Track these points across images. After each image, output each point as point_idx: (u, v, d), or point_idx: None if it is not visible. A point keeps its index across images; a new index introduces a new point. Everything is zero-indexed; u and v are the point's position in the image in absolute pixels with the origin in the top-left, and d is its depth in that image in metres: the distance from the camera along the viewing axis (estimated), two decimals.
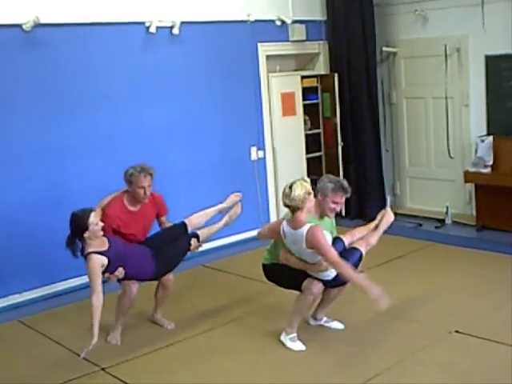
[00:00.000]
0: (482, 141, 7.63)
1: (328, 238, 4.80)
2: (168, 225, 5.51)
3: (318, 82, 8.70)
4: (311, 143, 8.73)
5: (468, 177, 7.71)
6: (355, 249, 5.04)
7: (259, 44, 7.93)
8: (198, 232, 5.44)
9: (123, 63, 6.83)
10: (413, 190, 8.83)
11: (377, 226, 5.28)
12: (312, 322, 5.32)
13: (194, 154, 7.44)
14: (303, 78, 8.52)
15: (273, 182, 8.29)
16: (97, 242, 4.85)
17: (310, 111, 8.68)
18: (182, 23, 7.09)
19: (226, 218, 5.63)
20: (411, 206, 8.79)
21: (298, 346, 4.92)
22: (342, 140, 8.62)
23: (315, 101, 8.72)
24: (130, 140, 6.85)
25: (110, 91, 6.73)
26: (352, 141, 8.58)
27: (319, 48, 8.63)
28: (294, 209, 4.67)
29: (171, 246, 5.25)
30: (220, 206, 5.69)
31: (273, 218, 8.29)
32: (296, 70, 8.68)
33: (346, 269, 4.62)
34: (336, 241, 5.07)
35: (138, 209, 5.31)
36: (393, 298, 5.73)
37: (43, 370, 4.88)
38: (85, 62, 6.54)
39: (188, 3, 7.24)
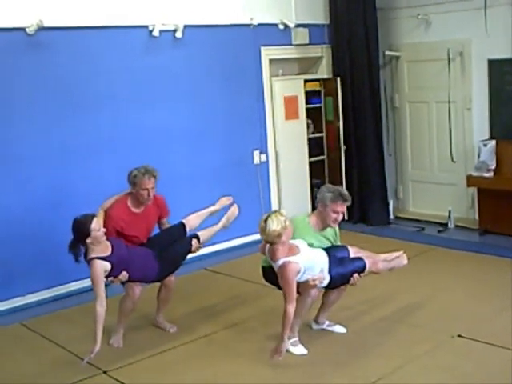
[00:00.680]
0: (485, 145, 7.63)
1: (316, 253, 4.81)
2: (167, 226, 5.52)
3: (320, 85, 8.70)
4: (314, 147, 8.73)
5: (471, 181, 7.70)
6: (360, 259, 5.02)
7: (262, 48, 7.94)
8: (199, 233, 5.44)
9: (126, 66, 6.85)
10: (415, 194, 8.82)
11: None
12: (314, 327, 5.32)
13: (196, 157, 7.45)
14: (306, 81, 8.52)
15: (275, 185, 8.29)
16: (99, 247, 4.85)
17: (313, 115, 8.68)
18: (185, 27, 7.10)
19: (223, 220, 5.63)
20: (414, 210, 8.79)
21: (299, 350, 4.92)
22: (345, 144, 8.62)
23: (318, 104, 8.72)
24: (132, 142, 6.86)
25: (112, 94, 6.74)
26: (355, 144, 8.58)
27: (322, 52, 8.64)
28: (270, 243, 4.64)
29: (173, 248, 5.26)
30: (212, 209, 5.69)
31: None
32: (299, 74, 8.68)
33: (289, 316, 4.52)
34: (340, 248, 5.07)
35: (142, 210, 5.31)
36: (395, 303, 5.76)
37: (45, 372, 4.88)
38: (88, 65, 6.55)
39: (191, 7, 7.25)
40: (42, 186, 6.35)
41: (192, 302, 6.10)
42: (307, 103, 8.53)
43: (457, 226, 8.17)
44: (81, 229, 4.80)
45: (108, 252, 4.87)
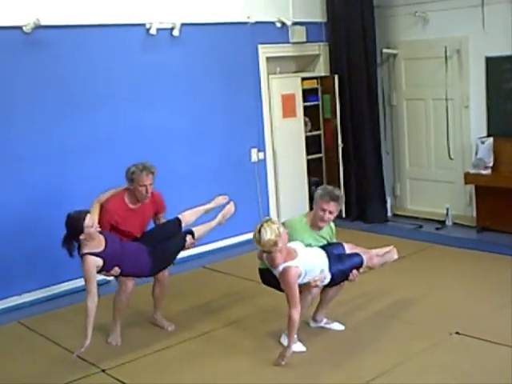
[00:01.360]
0: (483, 142, 7.63)
1: (314, 253, 4.82)
2: (163, 221, 5.52)
3: (318, 83, 8.70)
4: (311, 145, 8.73)
5: (468, 178, 7.71)
6: (358, 254, 5.03)
7: (259, 46, 7.93)
8: (193, 229, 5.43)
9: (123, 65, 6.84)
10: (413, 192, 8.82)
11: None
12: (312, 324, 5.32)
13: (194, 155, 7.45)
14: (303, 79, 8.52)
15: (273, 183, 8.29)
16: (93, 242, 4.85)
17: (311, 113, 8.68)
18: (183, 25, 7.09)
19: (219, 217, 5.62)
20: (411, 208, 8.79)
21: (298, 347, 4.91)
22: (343, 141, 8.62)
23: (315, 102, 8.72)
24: (130, 141, 6.85)
25: (110, 92, 6.74)
26: (352, 142, 8.58)
27: (319, 50, 8.63)
28: (267, 252, 4.65)
29: (167, 243, 5.25)
30: (207, 206, 5.68)
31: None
32: (296, 72, 8.68)
33: (294, 321, 4.59)
34: (335, 245, 5.08)
35: (138, 206, 5.31)
36: (393, 300, 5.76)
37: (43, 371, 4.88)
38: (85, 64, 6.54)
39: (188, 5, 7.24)
40: (40, 185, 6.34)
41: (190, 300, 6.10)
42: (305, 101, 8.53)
43: (454, 224, 8.17)
44: (74, 225, 4.81)
45: (101, 247, 4.87)
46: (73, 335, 5.43)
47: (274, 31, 8.05)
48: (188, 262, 7.25)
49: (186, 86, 7.32)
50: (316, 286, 4.79)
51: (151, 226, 5.55)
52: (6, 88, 6.11)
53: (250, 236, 7.75)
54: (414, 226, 8.25)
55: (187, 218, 5.48)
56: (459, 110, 8.04)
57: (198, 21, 7.29)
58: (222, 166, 7.71)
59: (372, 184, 8.53)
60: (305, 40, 8.34)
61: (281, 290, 4.99)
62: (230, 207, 5.71)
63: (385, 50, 8.56)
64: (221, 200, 5.75)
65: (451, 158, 8.16)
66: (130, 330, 5.41)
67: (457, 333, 4.99)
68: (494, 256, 6.77)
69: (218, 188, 7.60)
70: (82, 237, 4.79)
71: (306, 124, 8.66)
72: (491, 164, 7.55)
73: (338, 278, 4.90)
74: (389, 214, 8.70)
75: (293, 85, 8.39)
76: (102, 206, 5.18)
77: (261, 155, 8.11)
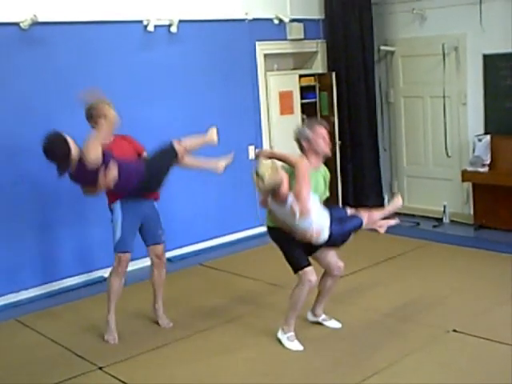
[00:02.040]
0: (480, 140, 7.64)
1: (318, 208, 4.71)
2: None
3: (315, 80, 8.69)
4: None
5: (466, 176, 7.71)
6: (356, 216, 4.94)
7: (257, 42, 7.92)
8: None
9: (121, 61, 6.83)
10: (410, 189, 8.83)
11: None
12: (310, 318, 5.30)
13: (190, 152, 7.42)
14: (301, 76, 8.51)
15: None
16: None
17: (308, 110, 8.67)
18: (180, 21, 7.08)
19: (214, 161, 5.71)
20: (409, 205, 8.78)
21: (295, 345, 4.91)
22: (340, 139, 8.61)
23: (313, 100, 8.71)
24: None
25: (107, 89, 6.63)
26: (350, 140, 8.58)
27: (317, 47, 8.62)
28: (273, 190, 4.55)
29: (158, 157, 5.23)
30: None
31: None
32: (294, 69, 8.67)
33: (306, 205, 4.48)
34: (337, 207, 5.01)
35: (112, 140, 5.15)
36: (390, 298, 5.77)
37: (40, 369, 4.87)
38: (82, 61, 6.53)
39: (186, 1, 7.23)
40: (36, 182, 6.33)
41: (187, 298, 6.09)
42: (302, 98, 8.52)
43: (452, 221, 8.19)
44: (62, 150, 4.69)
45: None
46: (70, 332, 5.45)
47: (271, 28, 8.04)
48: (185, 259, 7.26)
49: (183, 82, 7.31)
50: (311, 237, 4.62)
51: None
52: (2, 84, 6.09)
53: (247, 233, 7.92)
54: (411, 224, 8.26)
55: (188, 143, 5.46)
56: (457, 108, 8.04)
57: (195, 17, 7.28)
58: None
59: (369, 181, 8.53)
60: (302, 37, 8.33)
61: (285, 250, 4.86)
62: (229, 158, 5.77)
63: (382, 48, 8.56)
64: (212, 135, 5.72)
65: (448, 156, 8.16)
66: (127, 327, 5.40)
67: (454, 330, 5.00)
68: (491, 254, 6.77)
69: (214, 184, 7.65)
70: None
71: (303, 121, 8.65)
72: (488, 162, 7.56)
73: (338, 239, 4.78)
74: None
75: (290, 82, 8.38)
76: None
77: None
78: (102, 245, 6.22)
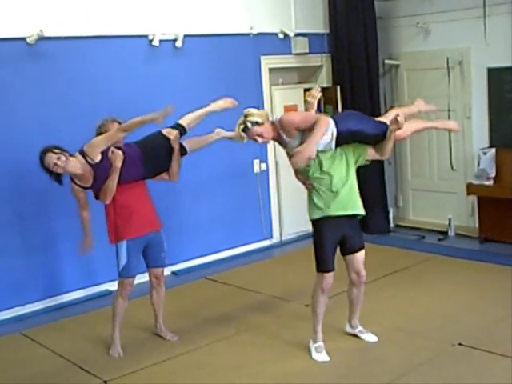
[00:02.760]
0: (485, 153, 7.64)
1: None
2: None
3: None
4: None
5: (471, 189, 7.71)
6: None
7: (262, 57, 7.96)
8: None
9: (126, 76, 6.86)
10: (415, 203, 8.82)
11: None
12: (348, 329, 5.27)
13: (196, 166, 7.44)
14: (306, 90, 8.53)
15: (275, 194, 8.29)
16: (76, 176, 4.87)
17: None
18: (185, 36, 7.12)
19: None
20: (414, 219, 8.79)
21: (321, 356, 4.89)
22: None
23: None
24: None
25: (112, 104, 6.74)
26: None
27: (322, 61, 8.65)
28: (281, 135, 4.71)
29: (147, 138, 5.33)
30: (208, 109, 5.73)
31: (276, 231, 8.29)
32: (299, 83, 8.70)
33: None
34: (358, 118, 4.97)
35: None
36: (396, 311, 5.75)
37: (45, 382, 4.87)
38: (88, 75, 6.56)
39: (191, 16, 7.27)
40: (41, 195, 6.34)
41: (192, 311, 6.09)
42: None
43: (457, 234, 8.17)
44: (41, 164, 4.81)
45: (88, 183, 4.91)
46: (75, 346, 5.45)
47: (276, 42, 8.08)
48: (190, 272, 7.26)
49: (188, 96, 7.30)
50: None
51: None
52: (9, 99, 6.13)
53: (252, 247, 7.92)
54: (416, 237, 8.24)
55: (187, 121, 5.53)
56: (461, 121, 8.03)
57: (200, 32, 7.31)
58: (225, 176, 7.71)
59: (374, 195, 8.51)
60: (307, 51, 8.36)
61: (320, 246, 4.82)
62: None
63: (387, 61, 8.59)
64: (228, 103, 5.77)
65: (453, 169, 8.16)
66: (132, 340, 5.40)
67: (460, 344, 4.98)
68: (496, 267, 6.75)
69: (220, 198, 7.66)
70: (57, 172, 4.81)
71: None
72: (493, 175, 7.56)
73: (347, 137, 4.71)
74: (391, 224, 8.69)
75: (295, 96, 8.40)
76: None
77: (263, 166, 8.12)
78: (107, 258, 6.22)
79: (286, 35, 8.09)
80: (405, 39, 8.43)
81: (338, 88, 8.51)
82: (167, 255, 5.43)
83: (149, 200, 5.28)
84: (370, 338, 5.19)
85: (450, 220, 8.18)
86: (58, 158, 4.77)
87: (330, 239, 4.79)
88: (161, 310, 5.49)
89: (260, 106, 7.99)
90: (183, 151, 5.43)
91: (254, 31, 7.74)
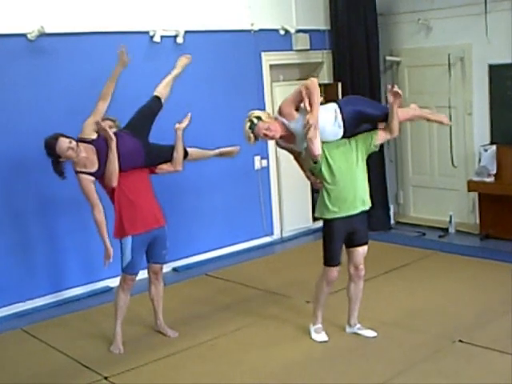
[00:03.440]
0: (486, 150, 7.63)
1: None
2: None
3: (321, 91, 8.68)
4: None
5: (471, 186, 7.71)
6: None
7: (263, 53, 7.95)
8: (189, 150, 5.54)
9: (127, 72, 6.80)
10: (416, 199, 8.82)
11: None
12: (348, 330, 5.29)
13: (197, 163, 7.41)
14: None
15: (276, 191, 8.29)
16: (81, 162, 4.86)
17: None
18: (186, 32, 7.12)
19: (216, 151, 5.80)
20: (415, 215, 8.78)
21: (321, 337, 5.07)
22: None
23: None
24: None
25: (113, 100, 6.72)
26: None
27: (323, 57, 8.64)
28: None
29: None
30: (175, 73, 5.72)
31: (276, 228, 8.29)
32: (300, 79, 8.67)
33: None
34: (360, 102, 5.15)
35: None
36: (396, 308, 5.75)
37: (46, 378, 4.88)
38: (89, 71, 6.55)
39: (192, 12, 7.27)
40: (41, 190, 6.35)
41: (193, 308, 6.09)
42: None
43: (458, 231, 8.16)
44: (50, 152, 4.82)
45: (94, 167, 4.90)
46: (76, 342, 5.46)
47: (277, 39, 8.07)
48: (190, 269, 7.26)
49: (189, 93, 7.31)
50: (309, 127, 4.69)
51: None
52: (9, 95, 6.13)
53: (252, 243, 7.92)
54: (417, 234, 8.25)
55: (162, 91, 5.57)
56: (462, 118, 8.04)
57: (201, 28, 7.31)
58: (226, 173, 7.71)
59: (375, 192, 8.46)
60: (308, 47, 8.35)
61: (328, 242, 4.95)
62: (233, 150, 5.89)
63: (388, 58, 8.58)
64: (184, 61, 5.74)
65: (454, 166, 8.16)
66: (132, 337, 5.40)
67: (460, 341, 4.98)
68: (497, 263, 6.76)
69: (220, 195, 7.66)
70: (62, 159, 4.81)
71: None
72: (494, 172, 7.56)
73: (351, 123, 4.85)
74: (392, 221, 8.69)
75: None
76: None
77: (264, 162, 8.12)
78: None
79: (286, 31, 8.09)
80: (406, 36, 8.42)
81: (339, 85, 8.50)
82: (168, 252, 5.44)
83: (153, 196, 5.30)
84: (369, 333, 5.22)
85: (450, 217, 8.18)
86: (70, 142, 4.81)
87: (338, 236, 4.92)
88: (160, 305, 5.49)
89: (261, 103, 8.00)
90: (185, 153, 5.47)
91: (255, 27, 7.73)
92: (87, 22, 6.46)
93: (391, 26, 8.52)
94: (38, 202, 6.36)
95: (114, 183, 4.96)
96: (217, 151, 5.78)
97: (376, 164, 8.47)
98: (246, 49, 7.78)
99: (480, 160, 7.69)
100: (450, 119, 7.99)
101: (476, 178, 7.68)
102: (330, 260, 4.94)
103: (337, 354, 4.95)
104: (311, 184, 5.30)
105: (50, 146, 4.82)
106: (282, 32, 8.07)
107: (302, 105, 4.83)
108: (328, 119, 4.80)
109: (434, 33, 8.11)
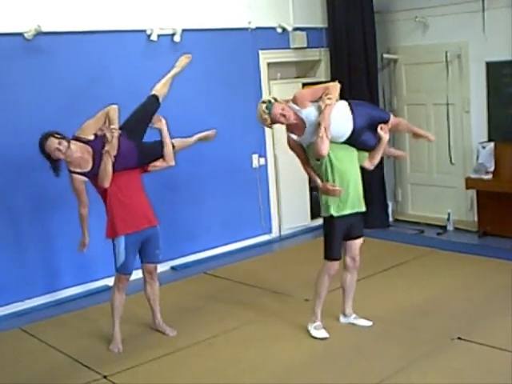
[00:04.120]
0: (484, 147, 7.64)
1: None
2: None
3: None
4: None
5: (469, 183, 7.71)
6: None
7: (260, 51, 7.95)
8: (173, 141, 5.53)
9: (124, 71, 6.84)
10: (414, 197, 8.82)
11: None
12: (342, 320, 5.39)
13: (195, 160, 7.44)
14: (304, 85, 8.51)
15: (274, 189, 8.29)
16: (75, 162, 4.91)
17: None
18: (184, 31, 7.11)
19: (197, 136, 5.79)
20: (413, 213, 8.78)
21: (321, 333, 5.12)
22: None
23: None
24: None
25: (110, 99, 6.70)
26: None
27: (320, 55, 8.64)
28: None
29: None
30: (174, 71, 5.74)
31: (274, 226, 8.29)
32: (297, 78, 8.69)
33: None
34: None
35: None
36: (395, 305, 5.76)
37: (45, 378, 4.88)
38: (86, 70, 6.55)
39: (189, 11, 7.26)
40: (40, 190, 6.34)
41: (191, 306, 6.09)
42: None
43: (456, 229, 8.16)
44: (41, 149, 4.86)
45: (88, 167, 4.94)
46: (75, 342, 5.45)
47: (274, 37, 8.06)
48: (189, 267, 7.26)
49: (186, 91, 7.31)
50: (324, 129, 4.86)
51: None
52: (7, 94, 6.12)
53: (251, 242, 7.91)
54: (415, 231, 8.25)
55: (160, 90, 5.54)
56: (460, 115, 8.05)
57: (198, 27, 7.30)
58: (224, 171, 7.71)
59: (373, 189, 8.49)
60: (305, 45, 8.35)
61: (329, 236, 5.10)
62: (210, 134, 5.88)
63: (385, 56, 8.58)
64: (184, 60, 5.76)
65: (452, 163, 8.16)
66: (131, 335, 5.40)
67: (459, 338, 4.98)
68: (495, 261, 6.75)
69: (218, 193, 7.66)
70: (55, 158, 4.84)
71: None
72: (492, 169, 7.56)
73: (360, 132, 5.07)
74: (390, 219, 8.69)
75: (293, 90, 8.31)
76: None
77: (262, 161, 8.12)
78: (106, 254, 6.22)
79: (284, 30, 8.08)
80: (403, 33, 8.42)
81: (337, 82, 8.47)
82: (165, 250, 5.46)
83: (145, 196, 5.30)
84: (364, 323, 5.33)
85: (448, 214, 8.18)
86: (60, 143, 4.84)
87: (339, 232, 5.11)
88: (157, 304, 5.50)
89: (258, 101, 7.95)
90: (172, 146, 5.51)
91: (252, 26, 7.73)
92: (84, 20, 6.45)
93: (388, 23, 8.52)
94: (34, 201, 6.35)
95: (106, 185, 5.00)
96: (196, 137, 5.80)
97: None
98: (243, 47, 7.78)
99: (478, 157, 7.69)
100: (448, 116, 8.04)
101: (474, 176, 7.68)
102: (331, 254, 5.11)
103: (336, 352, 4.95)
104: (309, 182, 5.39)
105: (40, 144, 4.88)
106: (279, 30, 8.07)
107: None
108: (341, 111, 5.08)
109: (431, 30, 8.10)
